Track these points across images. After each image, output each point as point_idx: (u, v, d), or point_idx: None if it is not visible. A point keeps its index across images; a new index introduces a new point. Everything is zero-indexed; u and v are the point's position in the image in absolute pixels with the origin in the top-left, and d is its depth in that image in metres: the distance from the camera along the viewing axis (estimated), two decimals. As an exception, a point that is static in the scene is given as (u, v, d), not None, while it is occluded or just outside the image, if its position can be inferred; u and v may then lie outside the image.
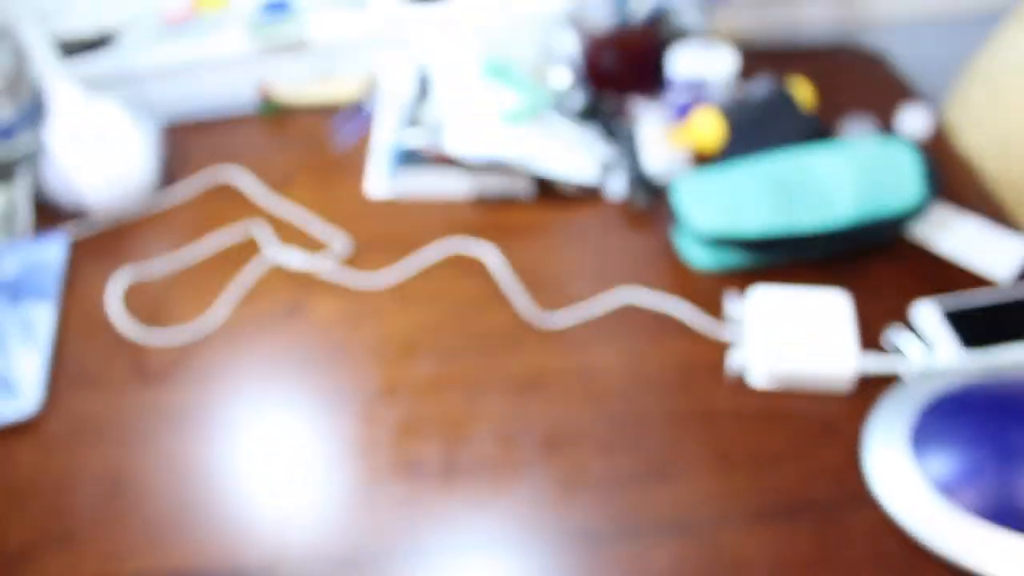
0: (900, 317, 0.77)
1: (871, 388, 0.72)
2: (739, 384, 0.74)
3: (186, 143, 1.01)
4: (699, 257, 0.82)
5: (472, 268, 0.84)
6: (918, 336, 0.75)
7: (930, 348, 0.74)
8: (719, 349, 0.76)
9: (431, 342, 0.79)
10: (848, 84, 1.04)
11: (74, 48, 1.00)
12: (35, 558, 0.67)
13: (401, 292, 0.83)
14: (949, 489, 0.63)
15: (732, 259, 0.82)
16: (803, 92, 0.94)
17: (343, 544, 0.67)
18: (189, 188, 0.94)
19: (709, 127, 0.92)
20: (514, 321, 0.80)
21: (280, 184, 0.94)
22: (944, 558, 0.63)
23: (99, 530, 0.68)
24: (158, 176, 0.93)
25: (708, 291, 0.81)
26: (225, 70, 1.05)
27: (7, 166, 0.93)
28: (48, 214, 0.93)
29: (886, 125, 0.98)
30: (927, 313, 0.75)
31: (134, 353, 0.80)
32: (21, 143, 0.92)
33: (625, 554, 0.65)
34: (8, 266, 0.86)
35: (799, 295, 0.75)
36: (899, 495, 0.64)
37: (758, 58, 1.10)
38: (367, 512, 0.68)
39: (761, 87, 0.92)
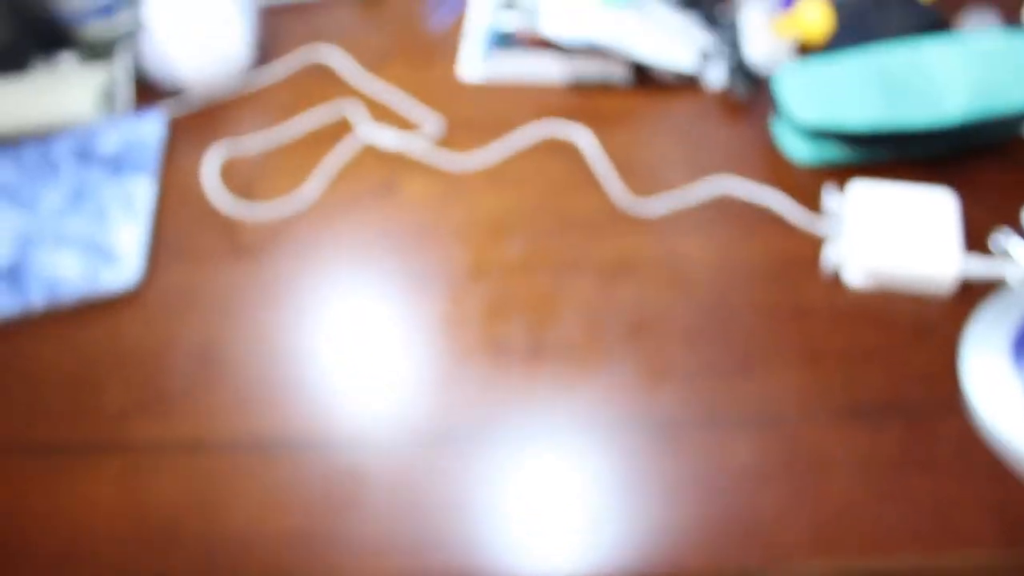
0: (1009, 221, 0.74)
1: (973, 293, 0.70)
2: (834, 281, 0.72)
3: (282, 24, 1.00)
4: (799, 150, 0.80)
5: (565, 152, 0.83)
6: (1028, 241, 0.72)
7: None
8: (815, 244, 0.74)
9: (521, 224, 0.79)
10: (971, -26, 0.97)
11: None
12: (132, 421, 0.70)
13: (493, 174, 0.83)
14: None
15: (833, 154, 0.79)
16: (921, -19, 0.89)
17: (429, 419, 0.68)
18: (284, 67, 0.94)
19: (816, 16, 0.88)
20: (605, 207, 0.79)
21: (374, 65, 0.94)
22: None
23: (191, 397, 0.71)
24: (254, 55, 0.93)
25: (806, 185, 0.78)
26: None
27: (107, 44, 0.94)
28: (147, 92, 0.94)
29: (1010, 19, 0.92)
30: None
31: (228, 228, 0.81)
32: (120, 21, 0.93)
33: (706, 443, 0.64)
34: (110, 141, 0.88)
35: (902, 192, 0.72)
36: (994, 404, 0.62)
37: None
38: (453, 389, 0.69)
39: (876, -26, 0.87)
